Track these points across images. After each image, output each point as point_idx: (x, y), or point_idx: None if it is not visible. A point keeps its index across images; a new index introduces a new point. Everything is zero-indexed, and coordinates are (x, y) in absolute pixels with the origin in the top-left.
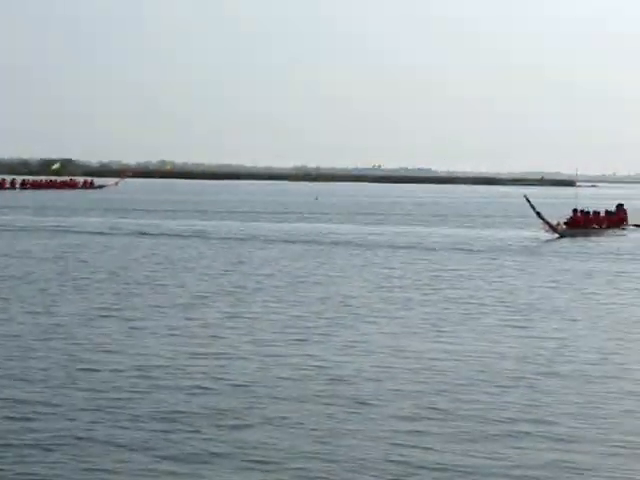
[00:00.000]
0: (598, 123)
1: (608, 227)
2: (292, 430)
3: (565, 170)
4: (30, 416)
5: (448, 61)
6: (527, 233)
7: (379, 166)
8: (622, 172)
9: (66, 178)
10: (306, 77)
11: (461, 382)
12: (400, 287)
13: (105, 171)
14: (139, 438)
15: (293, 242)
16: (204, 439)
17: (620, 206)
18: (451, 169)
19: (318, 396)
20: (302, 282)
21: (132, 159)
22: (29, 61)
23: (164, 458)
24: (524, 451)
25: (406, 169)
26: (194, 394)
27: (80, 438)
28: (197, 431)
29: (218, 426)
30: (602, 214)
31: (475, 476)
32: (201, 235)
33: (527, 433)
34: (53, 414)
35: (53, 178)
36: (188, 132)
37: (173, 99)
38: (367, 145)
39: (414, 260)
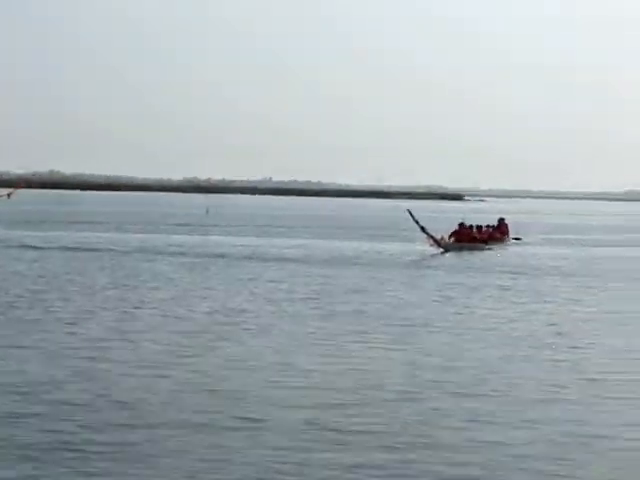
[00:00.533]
0: (490, 140)
1: (491, 241)
2: (174, 447)
3: (455, 185)
4: None
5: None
6: (413, 247)
7: (270, 178)
8: (509, 186)
9: None
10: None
11: (348, 398)
12: (288, 301)
13: None
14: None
15: (182, 254)
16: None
17: (501, 220)
18: (339, 181)
19: (201, 412)
20: (189, 296)
21: (18, 168)
22: None
23: None
24: (411, 465)
25: (296, 181)
26: (75, 410)
27: None
28: (81, 449)
29: (102, 443)
30: (484, 228)
31: None
32: (83, 248)
33: (415, 448)
34: None
35: None
36: (77, 142)
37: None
38: (261, 154)
39: (303, 273)
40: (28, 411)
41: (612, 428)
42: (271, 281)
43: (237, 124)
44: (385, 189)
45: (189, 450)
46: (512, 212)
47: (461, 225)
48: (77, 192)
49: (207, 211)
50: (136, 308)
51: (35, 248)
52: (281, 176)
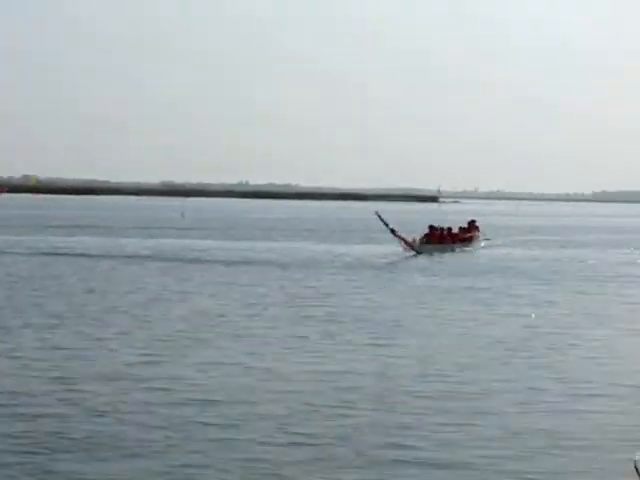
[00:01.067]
0: (463, 141)
1: (462, 243)
2: (144, 454)
3: (430, 186)
4: None
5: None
6: (386, 249)
7: (247, 182)
8: (483, 188)
9: None
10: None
11: (322, 402)
12: (261, 305)
13: None
14: None
15: (156, 258)
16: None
17: (472, 222)
18: (319, 184)
19: (174, 419)
20: (162, 300)
21: None
22: None
23: None
24: (385, 475)
25: (273, 184)
26: (47, 419)
27: None
28: (54, 460)
29: (71, 452)
30: (455, 230)
31: None
32: (58, 252)
33: (387, 456)
34: None
35: None
36: (48, 146)
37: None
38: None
39: (276, 277)
40: None
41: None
42: (246, 285)
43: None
44: (361, 192)
45: (160, 457)
46: (486, 214)
47: (432, 228)
48: (52, 196)
49: (183, 215)
50: (107, 313)
51: (3, 253)
52: (259, 179)
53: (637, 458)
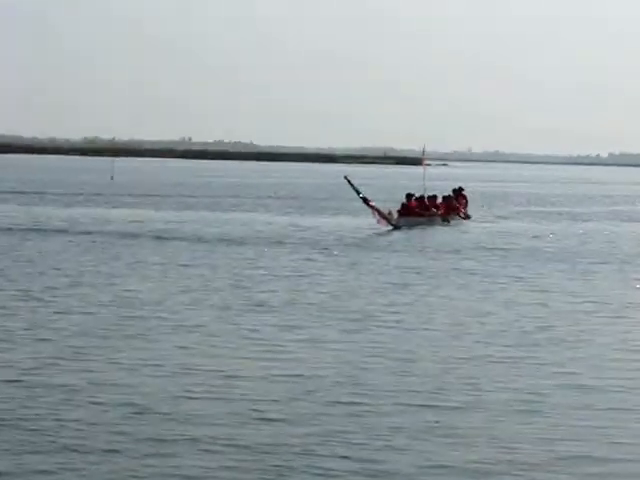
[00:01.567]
0: (452, 93)
1: (447, 215)
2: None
3: (415, 146)
4: None
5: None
6: (357, 222)
7: (190, 139)
8: (477, 149)
9: None
10: None
11: (275, 411)
12: (204, 290)
13: None
14: None
15: (77, 232)
16: None
17: (459, 190)
18: (279, 143)
19: (91, 431)
20: (83, 284)
21: None
22: None
23: None
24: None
25: (222, 142)
26: None
27: None
28: None
29: None
30: (439, 200)
31: None
32: None
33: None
34: None
35: None
36: None
37: None
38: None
39: (224, 256)
40: None
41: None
42: (186, 265)
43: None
44: (330, 152)
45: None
46: (480, 179)
47: (411, 196)
48: None
49: (112, 178)
50: (12, 301)
51: None
52: (205, 136)
53: None
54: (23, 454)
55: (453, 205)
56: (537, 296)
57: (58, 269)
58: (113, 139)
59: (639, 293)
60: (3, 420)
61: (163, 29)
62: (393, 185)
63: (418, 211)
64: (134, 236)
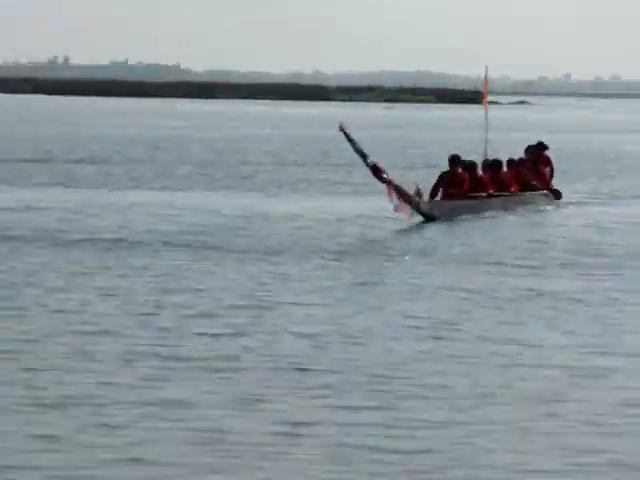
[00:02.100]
0: None
1: (515, 195)
2: None
3: (467, 71)
4: None
5: None
6: (360, 208)
7: (66, 60)
8: (578, 75)
9: None
10: None
11: None
12: (81, 330)
13: None
14: None
15: None
16: None
17: (538, 148)
18: (223, 67)
19: None
20: None
21: None
22: None
23: None
24: None
25: (126, 65)
26: None
27: None
28: None
29: None
30: (504, 169)
31: None
32: None
33: None
34: None
35: None
36: None
37: None
38: None
39: (128, 266)
40: None
41: None
42: (58, 289)
43: None
44: (314, 80)
45: None
46: (579, 128)
47: (455, 162)
48: None
49: None
50: None
51: None
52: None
53: None
54: None
55: (526, 175)
56: None
57: None
58: None
59: None
60: None
61: None
62: (429, 140)
63: (466, 189)
64: None
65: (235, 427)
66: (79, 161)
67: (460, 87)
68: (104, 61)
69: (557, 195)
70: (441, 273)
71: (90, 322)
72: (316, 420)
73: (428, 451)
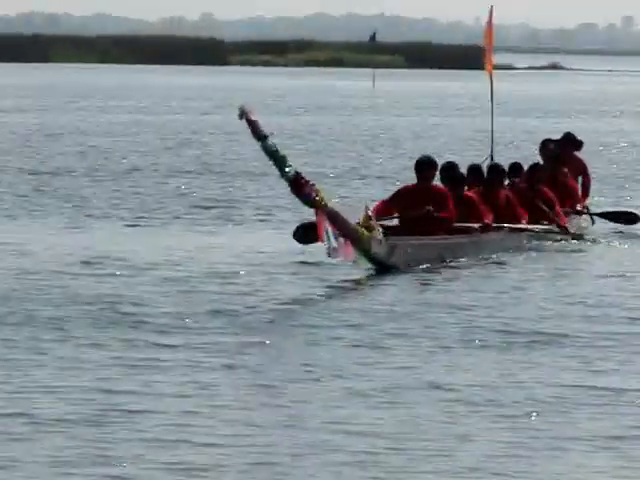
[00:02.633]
0: None
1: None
2: None
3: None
4: None
5: None
6: (281, 247)
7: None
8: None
9: None
10: None
11: None
12: None
13: None
14: None
15: None
16: None
17: (563, 145)
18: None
19: None
20: None
21: None
22: None
23: None
24: None
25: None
26: None
27: None
28: None
29: None
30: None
31: None
32: None
33: None
34: None
35: None
36: None
37: None
38: None
39: None
40: None
41: None
42: None
43: None
44: (194, 32)
45: None
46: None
47: (428, 168)
48: None
49: None
50: None
51: None
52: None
53: None
54: None
55: (545, 194)
56: None
57: None
58: None
59: None
60: None
61: None
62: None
63: (452, 212)
64: None
65: None
66: None
67: (447, 42)
68: None
69: (590, 215)
70: (412, 359)
71: None
72: None
73: None
